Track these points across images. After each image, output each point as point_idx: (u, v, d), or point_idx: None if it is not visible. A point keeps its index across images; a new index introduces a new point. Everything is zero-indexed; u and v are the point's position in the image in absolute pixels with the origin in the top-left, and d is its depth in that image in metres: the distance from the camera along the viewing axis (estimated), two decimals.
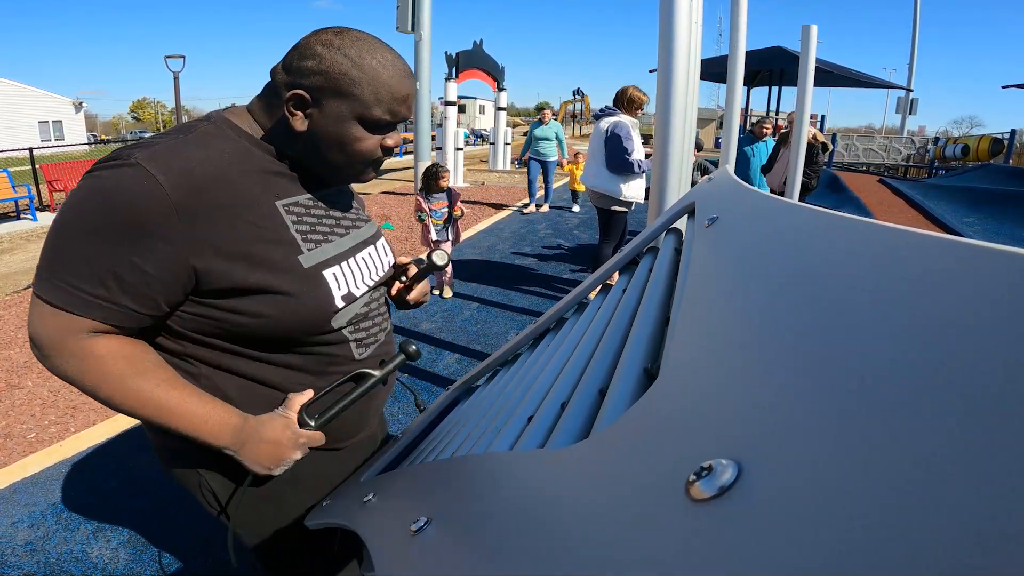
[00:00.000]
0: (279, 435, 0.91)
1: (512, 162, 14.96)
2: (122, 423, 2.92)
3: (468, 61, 11.95)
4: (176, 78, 10.56)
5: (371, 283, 1.02)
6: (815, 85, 5.54)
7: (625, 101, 4.23)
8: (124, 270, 0.77)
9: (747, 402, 0.30)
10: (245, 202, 0.84)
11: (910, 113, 21.41)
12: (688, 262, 0.73)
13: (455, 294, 4.82)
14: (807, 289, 0.39)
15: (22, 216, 9.69)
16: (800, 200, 5.16)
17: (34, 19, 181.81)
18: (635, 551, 0.25)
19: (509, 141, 15.31)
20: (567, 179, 9.14)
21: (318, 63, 0.83)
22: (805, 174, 5.44)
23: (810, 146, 5.43)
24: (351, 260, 0.98)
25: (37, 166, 10.30)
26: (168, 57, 10.47)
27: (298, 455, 0.94)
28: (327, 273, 0.92)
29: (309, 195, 0.94)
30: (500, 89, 13.45)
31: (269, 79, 0.90)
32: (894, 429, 0.22)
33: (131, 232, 0.76)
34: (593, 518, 0.31)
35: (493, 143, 14.86)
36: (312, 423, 0.94)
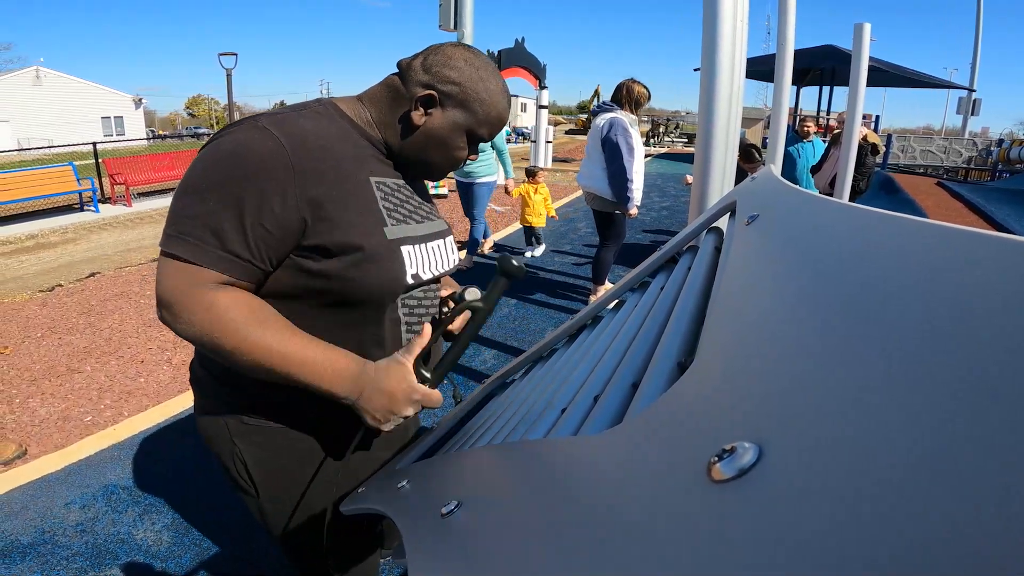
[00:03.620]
0: (395, 386, 0.94)
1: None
2: (172, 409, 3.04)
3: (510, 59, 11.97)
4: (229, 75, 10.91)
5: (436, 272, 1.06)
6: (869, 85, 5.35)
7: (624, 97, 3.88)
8: (246, 222, 0.84)
9: (774, 392, 0.30)
10: (344, 172, 0.93)
11: (972, 114, 20.44)
12: (726, 259, 0.72)
13: None
14: (842, 284, 0.38)
15: (86, 208, 10.16)
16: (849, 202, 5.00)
17: (98, 16, 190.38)
18: (656, 529, 0.26)
19: (551, 139, 15.27)
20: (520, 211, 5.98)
21: (459, 75, 0.97)
22: (853, 176, 5.27)
23: (860, 147, 5.26)
24: (424, 245, 1.03)
25: (100, 160, 10.78)
26: (221, 55, 10.83)
27: (411, 411, 0.96)
28: (404, 249, 0.98)
29: (396, 179, 1.02)
30: (542, 87, 13.45)
31: (394, 72, 1.02)
32: (914, 420, 0.22)
33: (257, 185, 0.84)
34: (618, 498, 0.31)
35: (535, 141, 14.87)
36: (428, 375, 0.97)
